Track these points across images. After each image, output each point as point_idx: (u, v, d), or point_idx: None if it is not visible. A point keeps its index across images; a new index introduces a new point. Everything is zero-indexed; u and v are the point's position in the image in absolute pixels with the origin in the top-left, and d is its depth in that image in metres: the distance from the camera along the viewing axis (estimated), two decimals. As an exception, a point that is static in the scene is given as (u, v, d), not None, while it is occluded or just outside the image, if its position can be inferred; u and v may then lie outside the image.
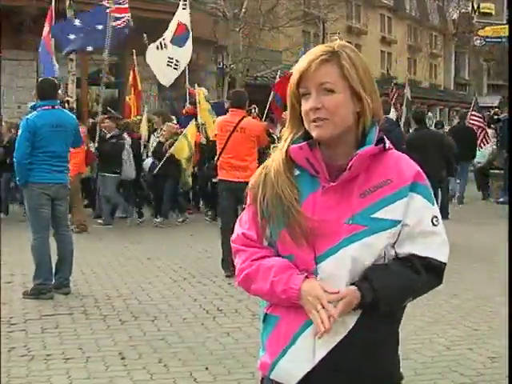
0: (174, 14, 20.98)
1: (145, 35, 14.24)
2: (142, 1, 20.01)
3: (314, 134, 1.91)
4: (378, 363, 1.93)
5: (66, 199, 6.90)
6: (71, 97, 14.94)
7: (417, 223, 1.92)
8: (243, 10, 24.35)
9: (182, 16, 13.61)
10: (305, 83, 1.90)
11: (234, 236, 2.07)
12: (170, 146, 11.29)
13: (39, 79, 7.01)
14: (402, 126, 17.84)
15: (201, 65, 23.98)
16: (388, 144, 1.95)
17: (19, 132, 6.70)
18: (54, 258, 6.76)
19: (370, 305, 1.87)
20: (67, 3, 17.75)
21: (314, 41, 30.01)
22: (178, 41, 13.29)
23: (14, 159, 6.60)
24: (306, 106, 1.91)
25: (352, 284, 1.88)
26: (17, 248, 8.83)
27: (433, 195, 1.98)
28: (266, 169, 2.00)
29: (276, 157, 2.00)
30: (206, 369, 4.67)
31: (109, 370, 4.64)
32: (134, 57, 15.20)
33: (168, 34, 13.34)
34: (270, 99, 16.13)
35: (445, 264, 1.97)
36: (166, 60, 13.30)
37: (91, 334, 5.47)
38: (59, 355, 4.92)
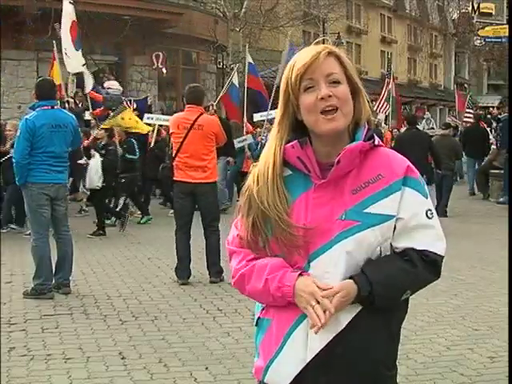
0: (173, 14, 21.05)
1: (57, 25, 12.84)
2: (142, 1, 19.99)
3: (326, 127, 1.89)
4: (372, 362, 1.93)
5: (65, 199, 6.90)
6: (72, 97, 14.95)
7: (411, 217, 1.93)
8: (243, 9, 24.38)
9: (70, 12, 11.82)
10: (310, 75, 1.89)
11: (229, 238, 2.07)
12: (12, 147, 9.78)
13: (38, 79, 7.00)
14: (389, 125, 17.93)
15: (201, 65, 24.02)
16: (377, 141, 1.96)
17: (18, 132, 6.70)
18: (54, 258, 6.77)
19: (367, 298, 1.87)
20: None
21: (313, 41, 30.00)
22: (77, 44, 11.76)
23: (14, 159, 6.60)
24: (311, 97, 1.89)
25: (349, 278, 1.89)
26: (17, 248, 8.84)
27: (426, 188, 1.99)
28: (249, 188, 1.99)
29: (261, 165, 1.98)
30: (206, 369, 4.67)
31: (109, 370, 4.64)
32: (55, 51, 13.68)
33: (65, 40, 11.85)
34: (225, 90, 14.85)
35: (441, 257, 1.97)
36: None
37: (91, 333, 5.47)
38: (59, 355, 4.92)
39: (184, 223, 7.21)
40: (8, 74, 18.56)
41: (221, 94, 14.91)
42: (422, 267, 1.93)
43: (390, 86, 19.38)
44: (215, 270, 7.18)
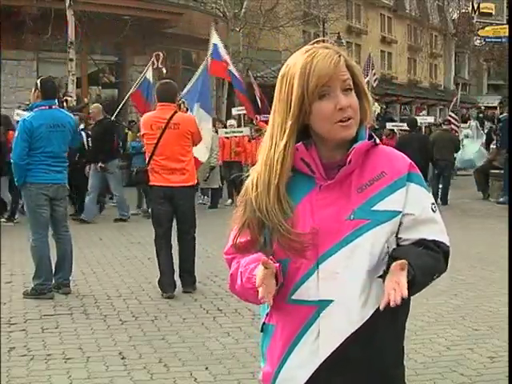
0: (173, 14, 21.07)
1: None
2: (142, 1, 19.99)
3: (340, 135, 1.88)
4: (382, 362, 1.94)
5: (65, 199, 6.88)
6: (70, 96, 14.93)
7: (421, 211, 1.94)
8: (243, 9, 24.39)
9: None
10: (330, 83, 1.87)
11: (226, 248, 2.05)
12: None
13: (40, 79, 6.95)
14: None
15: (201, 65, 24.01)
16: (377, 140, 1.98)
17: (16, 133, 6.69)
18: (54, 258, 6.76)
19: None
20: (67, 3, 17.78)
21: (313, 41, 30.03)
22: None
23: (12, 160, 6.59)
24: (329, 105, 1.87)
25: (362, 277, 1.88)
26: (17, 248, 8.83)
27: (425, 183, 2.02)
28: (246, 192, 1.97)
29: (261, 170, 1.94)
30: (206, 369, 4.67)
31: (109, 370, 4.64)
32: None
33: None
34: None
35: (449, 248, 1.98)
36: None
37: (91, 333, 5.47)
38: (59, 355, 4.92)
39: (164, 231, 6.73)
40: (8, 73, 18.57)
41: (132, 90, 13.70)
42: (441, 252, 1.95)
43: (368, 78, 19.31)
44: (191, 281, 6.83)
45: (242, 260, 1.96)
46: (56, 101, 6.93)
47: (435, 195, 13.72)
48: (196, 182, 7.18)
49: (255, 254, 1.93)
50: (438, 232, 1.97)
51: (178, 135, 6.63)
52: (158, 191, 6.67)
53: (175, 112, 6.78)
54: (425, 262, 1.89)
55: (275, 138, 1.92)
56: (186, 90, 11.57)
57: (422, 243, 1.93)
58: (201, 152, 8.70)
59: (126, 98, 14.31)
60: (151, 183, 6.74)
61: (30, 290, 6.54)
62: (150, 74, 13.76)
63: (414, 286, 1.83)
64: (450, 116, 18.26)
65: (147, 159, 6.75)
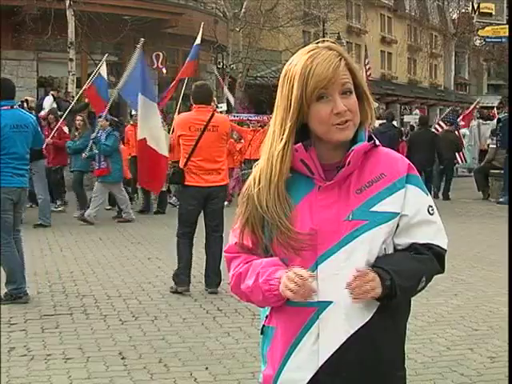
0: (173, 14, 21.07)
1: None
2: (142, 1, 20.00)
3: (337, 137, 1.89)
4: (384, 363, 1.94)
5: (24, 203, 6.70)
6: (67, 94, 14.87)
7: (415, 213, 1.94)
8: (243, 9, 24.40)
9: None
10: (328, 86, 1.87)
11: (227, 246, 2.05)
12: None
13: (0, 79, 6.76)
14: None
15: (201, 65, 24.02)
16: (377, 141, 1.98)
17: None
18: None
19: (389, 291, 1.84)
20: (67, 3, 17.79)
21: (313, 41, 30.05)
22: None
23: None
24: (326, 108, 1.87)
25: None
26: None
27: (424, 185, 2.01)
28: (248, 188, 1.98)
29: (263, 166, 1.95)
30: (206, 369, 4.67)
31: (109, 370, 4.63)
32: None
33: None
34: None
35: (445, 251, 1.98)
36: None
37: (91, 333, 5.47)
38: (59, 355, 4.92)
39: (190, 229, 6.88)
40: (8, 73, 18.55)
41: (84, 87, 13.33)
42: (431, 254, 1.94)
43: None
44: (217, 281, 6.91)
45: (258, 261, 1.95)
46: (16, 101, 6.75)
47: (437, 190, 15.16)
48: (228, 181, 7.30)
49: (273, 258, 1.93)
50: (433, 234, 1.96)
51: (216, 137, 6.75)
52: (194, 191, 6.74)
53: (213, 114, 6.88)
54: (406, 265, 1.89)
55: (276, 136, 1.94)
56: (121, 85, 11.28)
57: (412, 248, 1.94)
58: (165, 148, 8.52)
59: (80, 92, 13.93)
60: (187, 183, 6.79)
61: (4, 296, 6.32)
62: (104, 72, 13.08)
63: (398, 288, 1.84)
64: (438, 125, 18.19)
65: (184, 160, 6.78)
